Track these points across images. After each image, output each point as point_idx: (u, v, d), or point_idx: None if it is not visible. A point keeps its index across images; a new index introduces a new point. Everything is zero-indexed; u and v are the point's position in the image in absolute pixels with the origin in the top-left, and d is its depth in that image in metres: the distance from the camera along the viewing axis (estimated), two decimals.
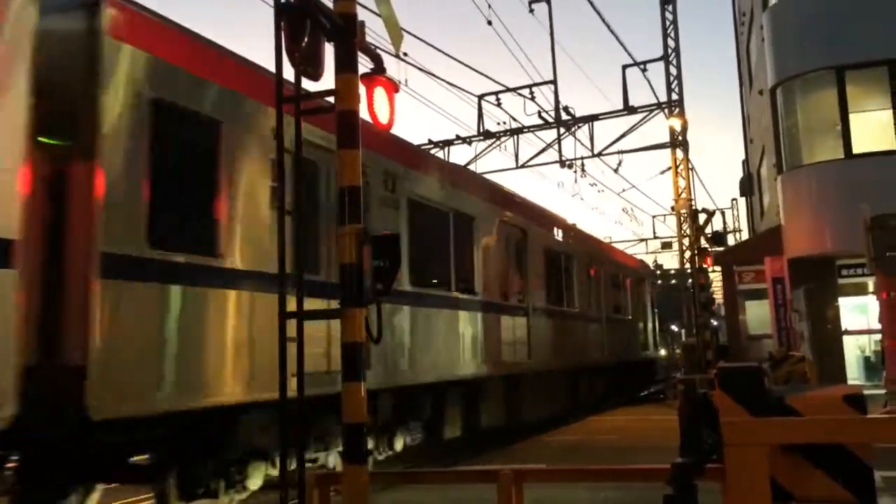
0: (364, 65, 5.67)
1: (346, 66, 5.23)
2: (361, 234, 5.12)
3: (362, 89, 5.55)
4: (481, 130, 23.98)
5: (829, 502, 4.08)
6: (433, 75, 18.45)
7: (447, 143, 24.73)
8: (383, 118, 5.76)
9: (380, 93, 5.74)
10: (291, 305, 5.26)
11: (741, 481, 3.46)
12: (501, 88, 22.98)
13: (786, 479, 4.09)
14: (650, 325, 27.26)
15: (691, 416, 4.52)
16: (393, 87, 5.85)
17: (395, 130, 11.79)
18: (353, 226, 5.14)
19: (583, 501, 7.67)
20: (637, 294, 25.28)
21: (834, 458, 4.01)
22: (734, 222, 43.31)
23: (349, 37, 5.22)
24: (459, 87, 20.82)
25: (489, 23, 19.43)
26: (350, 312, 5.07)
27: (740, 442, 3.46)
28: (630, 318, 24.32)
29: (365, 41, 5.41)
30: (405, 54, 16.89)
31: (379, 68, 5.75)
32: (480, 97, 23.50)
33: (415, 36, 18.91)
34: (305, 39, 4.99)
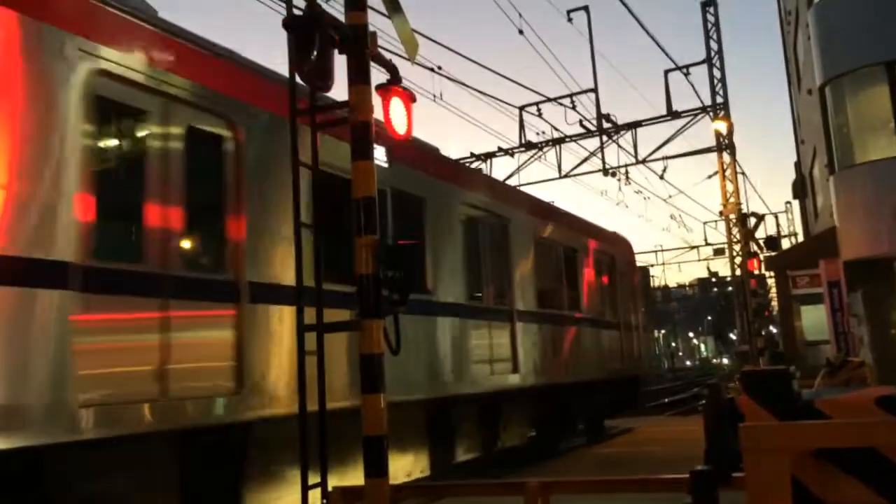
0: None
1: (358, 77, 5.23)
2: (377, 245, 5.10)
3: (378, 100, 5.55)
4: (523, 141, 23.88)
5: None
6: (470, 87, 18.45)
7: (489, 156, 24.69)
8: (400, 128, 5.74)
9: (396, 103, 5.72)
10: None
11: (761, 488, 3.30)
12: (542, 99, 22.90)
13: (816, 486, 3.90)
14: (636, 327, 17.95)
15: (716, 422, 4.35)
16: (409, 97, 5.82)
17: (433, 143, 11.71)
18: (369, 237, 5.13)
19: None
20: (612, 283, 16.76)
21: (866, 462, 3.80)
22: (789, 226, 42.26)
23: (361, 48, 5.22)
24: (499, 99, 20.79)
25: (520, 32, 19.38)
26: (367, 324, 5.04)
27: (759, 447, 3.30)
28: (598, 316, 15.66)
29: (377, 51, 5.41)
30: (439, 67, 16.93)
31: (394, 78, 5.74)
32: (521, 108, 23.42)
33: (448, 48, 18.94)
34: (315, 53, 5.01)
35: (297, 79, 5.41)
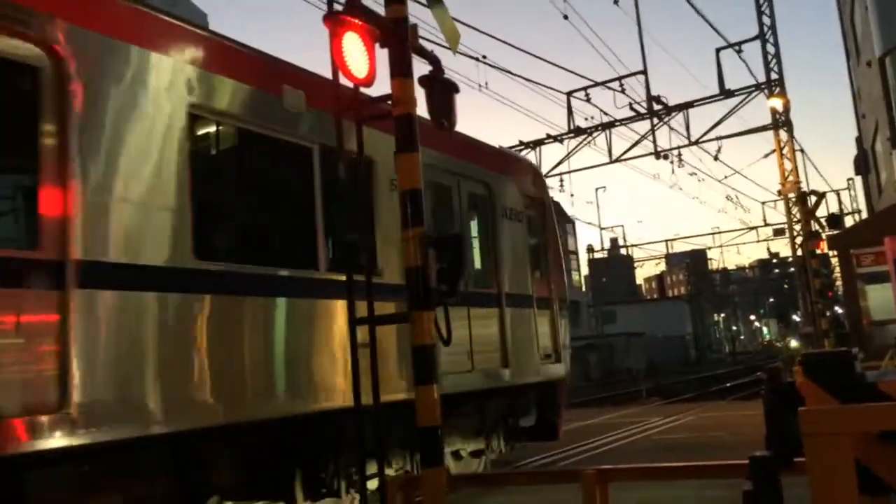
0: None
1: (400, 70, 5.24)
2: (425, 238, 5.11)
3: (420, 91, 5.55)
4: (572, 127, 23.65)
5: None
6: (515, 75, 18.33)
7: (538, 143, 24.53)
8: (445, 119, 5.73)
9: (439, 94, 5.71)
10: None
11: (824, 473, 3.20)
12: (590, 83, 22.63)
13: (883, 470, 3.77)
14: (542, 303, 10.45)
15: (776, 407, 4.24)
16: (453, 87, 5.81)
17: (481, 133, 11.70)
18: (417, 229, 5.14)
19: (688, 500, 7.40)
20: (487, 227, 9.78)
21: None
22: (852, 203, 40.94)
23: (402, 41, 5.22)
24: (545, 86, 20.62)
25: (565, 17, 19.16)
26: (418, 315, 5.06)
27: (819, 431, 3.20)
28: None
29: (418, 44, 5.41)
30: (483, 56, 16.85)
31: (437, 69, 5.73)
32: (569, 94, 23.19)
33: (492, 36, 18.84)
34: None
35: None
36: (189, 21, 5.99)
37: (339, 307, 6.48)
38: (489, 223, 9.58)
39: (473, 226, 9.61)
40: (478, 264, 9.68)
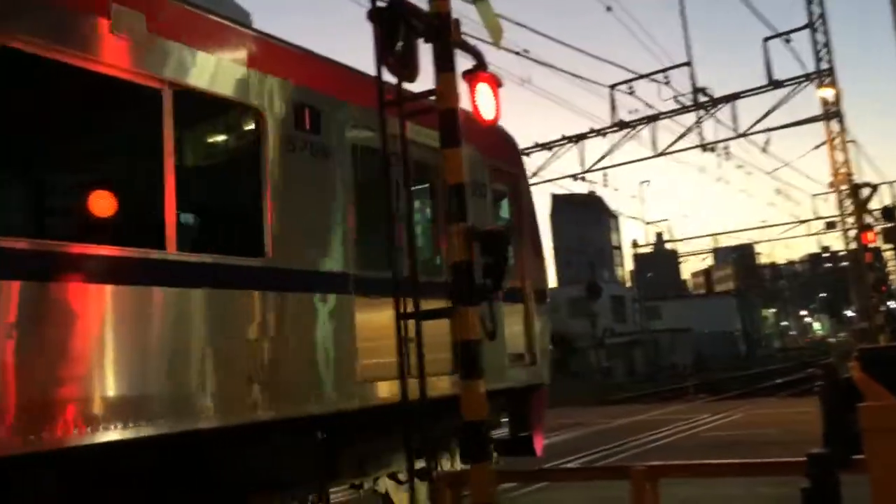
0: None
1: (443, 65, 5.22)
2: (470, 232, 5.09)
3: (464, 86, 5.52)
4: (615, 121, 23.40)
5: None
6: (558, 69, 18.20)
7: (581, 137, 24.32)
8: (488, 114, 5.69)
9: (483, 88, 5.68)
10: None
11: (884, 470, 3.11)
12: (633, 76, 22.36)
13: None
14: (523, 296, 8.89)
15: (834, 403, 4.14)
16: (496, 81, 5.77)
17: (523, 128, 11.58)
18: (462, 224, 5.12)
19: (739, 498, 7.27)
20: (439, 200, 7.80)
21: None
22: None
23: (445, 36, 5.20)
24: (588, 79, 20.43)
25: (608, 9, 18.94)
26: (462, 311, 5.03)
27: (880, 427, 3.11)
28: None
29: (461, 38, 5.38)
30: (525, 50, 16.76)
31: (480, 64, 5.69)
32: (612, 87, 22.93)
33: (534, 30, 18.74)
34: (400, 43, 5.03)
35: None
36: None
37: (198, 298, 5.21)
38: (434, 197, 7.81)
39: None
40: (425, 248, 8.06)
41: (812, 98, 22.52)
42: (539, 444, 8.46)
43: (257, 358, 5.54)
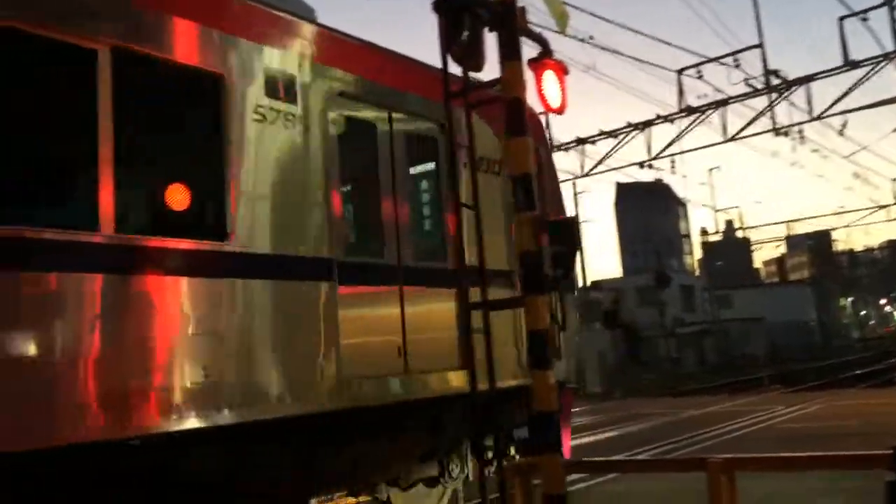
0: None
1: (509, 53, 5.19)
2: (538, 222, 5.06)
3: (530, 75, 5.48)
4: (683, 106, 22.90)
5: None
6: (624, 55, 17.88)
7: (647, 124, 23.88)
8: (554, 102, 5.64)
9: (549, 76, 5.63)
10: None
11: None
12: (701, 60, 21.84)
13: None
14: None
15: None
16: (562, 69, 5.71)
17: (588, 115, 11.45)
18: (530, 213, 5.09)
19: (820, 492, 7.09)
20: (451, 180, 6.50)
21: None
22: None
23: (510, 24, 5.17)
24: (655, 65, 20.03)
25: None
26: (532, 300, 5.01)
27: None
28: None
29: (527, 26, 5.34)
30: (591, 37, 16.52)
31: (546, 52, 5.64)
32: (679, 72, 22.46)
33: (599, 17, 18.45)
34: (465, 33, 5.02)
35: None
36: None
37: (139, 286, 4.64)
38: (444, 175, 7.17)
39: (417, 179, 7.34)
40: (426, 230, 7.44)
41: (891, 79, 21.69)
42: (566, 444, 7.61)
43: (216, 353, 4.98)
